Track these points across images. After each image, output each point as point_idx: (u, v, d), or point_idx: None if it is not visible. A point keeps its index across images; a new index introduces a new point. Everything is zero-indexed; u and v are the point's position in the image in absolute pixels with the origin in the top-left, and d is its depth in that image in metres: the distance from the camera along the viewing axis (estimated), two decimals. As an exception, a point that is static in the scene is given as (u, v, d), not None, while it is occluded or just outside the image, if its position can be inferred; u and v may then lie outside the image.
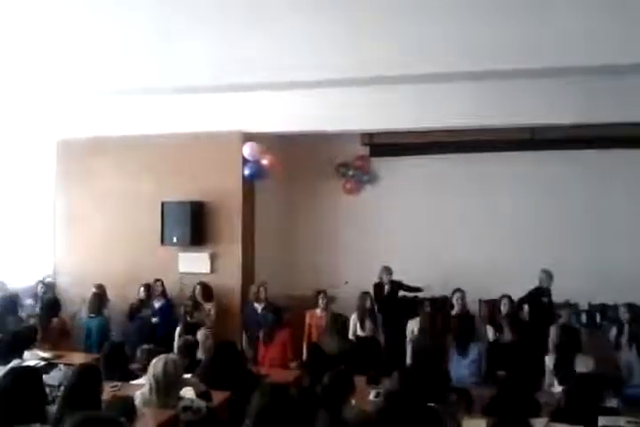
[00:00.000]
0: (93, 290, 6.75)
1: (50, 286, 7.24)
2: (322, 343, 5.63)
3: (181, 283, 6.99)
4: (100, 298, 6.60)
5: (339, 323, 5.79)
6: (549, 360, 5.02)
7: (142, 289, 6.83)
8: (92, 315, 6.43)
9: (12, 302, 6.46)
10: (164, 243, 7.07)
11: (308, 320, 6.44)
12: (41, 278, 7.42)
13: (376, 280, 7.00)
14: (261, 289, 6.66)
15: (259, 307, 6.60)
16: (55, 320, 6.19)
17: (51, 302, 6.50)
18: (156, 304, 6.81)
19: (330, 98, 6.33)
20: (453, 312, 6.36)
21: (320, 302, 6.44)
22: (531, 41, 4.76)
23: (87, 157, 7.53)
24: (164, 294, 6.87)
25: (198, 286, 6.66)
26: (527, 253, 7.45)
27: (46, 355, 5.21)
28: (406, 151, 8.28)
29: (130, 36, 5.51)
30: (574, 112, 6.08)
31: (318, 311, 6.42)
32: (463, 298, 6.41)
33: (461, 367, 5.08)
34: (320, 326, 6.24)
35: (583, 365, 4.70)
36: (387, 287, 6.93)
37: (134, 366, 4.70)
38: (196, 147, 7.11)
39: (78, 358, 5.38)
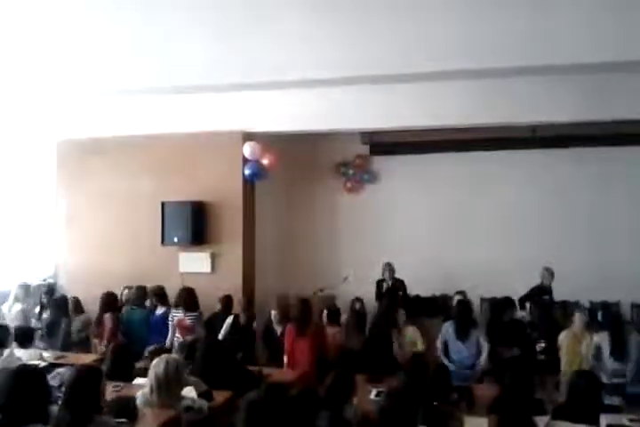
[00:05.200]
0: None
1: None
2: (346, 340, 5.72)
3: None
4: (144, 290, 6.53)
5: (358, 319, 5.81)
6: (599, 338, 5.17)
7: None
8: (135, 307, 6.37)
9: (65, 303, 6.46)
10: (164, 243, 7.06)
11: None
12: (42, 279, 7.44)
13: (380, 277, 7.01)
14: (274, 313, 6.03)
15: (278, 330, 5.90)
16: (107, 316, 6.15)
17: (107, 297, 6.39)
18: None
19: (330, 97, 6.32)
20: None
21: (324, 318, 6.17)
22: (532, 38, 4.74)
23: (87, 158, 7.52)
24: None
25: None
26: (528, 251, 7.44)
27: (47, 355, 5.22)
28: (407, 150, 8.27)
29: (129, 36, 5.50)
30: (576, 110, 6.06)
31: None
32: (464, 298, 6.36)
33: (461, 350, 5.38)
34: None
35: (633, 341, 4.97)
36: (386, 284, 6.93)
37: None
38: (197, 146, 7.10)
39: (80, 359, 5.38)
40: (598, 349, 5.19)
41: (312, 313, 5.69)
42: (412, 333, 5.70)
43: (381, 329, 5.62)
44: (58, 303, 6.50)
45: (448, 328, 5.54)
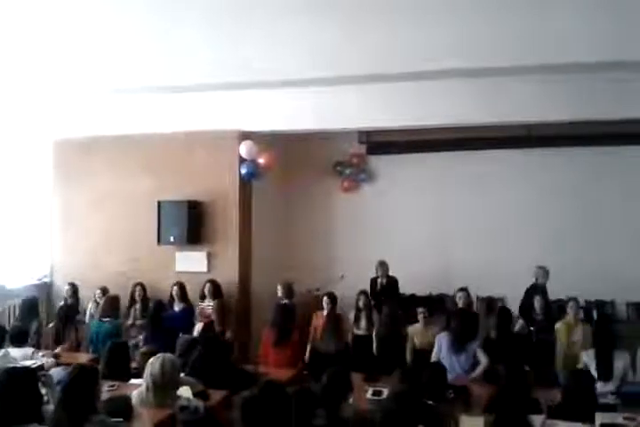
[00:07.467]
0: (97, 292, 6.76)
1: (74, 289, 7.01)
2: (320, 343, 5.65)
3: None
4: (116, 300, 6.39)
5: (334, 322, 5.77)
6: (588, 357, 4.88)
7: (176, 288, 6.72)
8: (106, 318, 6.12)
9: (34, 304, 6.39)
10: (160, 242, 7.05)
11: (314, 321, 6.21)
12: (38, 278, 7.42)
13: (373, 275, 7.00)
14: (280, 287, 6.63)
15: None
16: (71, 326, 6.11)
17: (67, 308, 6.39)
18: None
19: (327, 96, 6.32)
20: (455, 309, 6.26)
21: (325, 305, 6.21)
22: (528, 38, 4.75)
23: (84, 157, 7.50)
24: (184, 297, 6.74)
25: (208, 284, 6.65)
26: (524, 250, 7.45)
27: (41, 354, 5.20)
28: (403, 149, 8.28)
29: (127, 34, 5.49)
30: (572, 109, 6.06)
31: (325, 313, 6.18)
32: (467, 297, 6.31)
33: (454, 365, 4.99)
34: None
35: (621, 359, 4.72)
36: (380, 282, 6.92)
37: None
38: (193, 146, 7.09)
39: (78, 358, 5.37)
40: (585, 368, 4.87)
41: (295, 319, 5.72)
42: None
43: (393, 329, 5.64)
44: (26, 305, 6.34)
45: (442, 340, 5.19)
